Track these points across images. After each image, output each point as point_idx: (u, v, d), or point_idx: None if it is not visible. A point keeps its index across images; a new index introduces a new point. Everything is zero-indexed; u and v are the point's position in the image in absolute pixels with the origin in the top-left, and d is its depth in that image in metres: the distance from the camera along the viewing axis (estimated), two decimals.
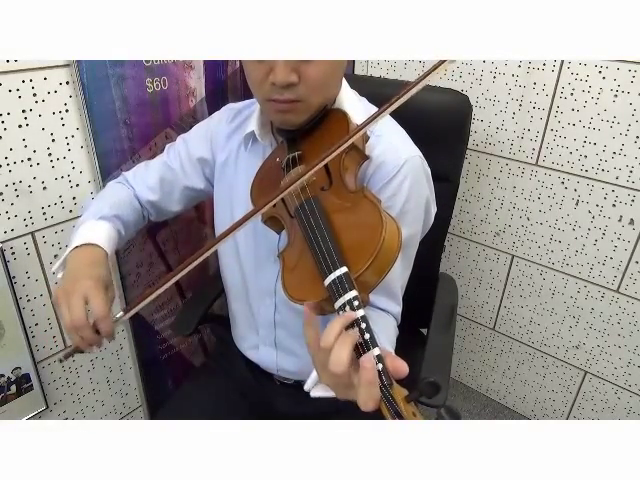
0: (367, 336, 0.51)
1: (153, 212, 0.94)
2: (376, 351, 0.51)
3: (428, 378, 0.48)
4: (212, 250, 0.64)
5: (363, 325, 0.52)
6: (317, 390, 0.59)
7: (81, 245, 0.77)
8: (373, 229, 0.56)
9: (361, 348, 0.51)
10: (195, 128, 0.93)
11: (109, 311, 0.69)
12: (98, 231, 0.80)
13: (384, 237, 0.55)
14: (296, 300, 0.60)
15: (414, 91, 0.60)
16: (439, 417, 0.47)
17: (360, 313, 0.52)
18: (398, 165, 0.73)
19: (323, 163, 0.62)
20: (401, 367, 0.51)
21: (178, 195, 0.92)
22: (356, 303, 0.53)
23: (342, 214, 0.62)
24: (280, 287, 0.83)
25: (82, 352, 0.70)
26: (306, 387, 0.60)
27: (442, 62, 0.57)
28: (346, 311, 0.53)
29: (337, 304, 0.54)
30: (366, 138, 0.71)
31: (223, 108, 0.93)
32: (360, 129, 0.62)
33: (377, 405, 0.49)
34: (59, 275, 0.78)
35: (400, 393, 0.49)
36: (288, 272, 0.63)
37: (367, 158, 0.70)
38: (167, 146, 0.93)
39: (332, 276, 0.54)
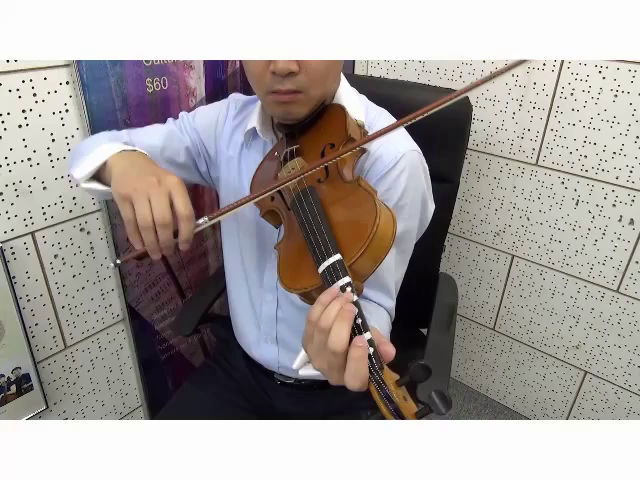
0: (359, 321, 0.51)
1: None
2: (367, 335, 0.51)
3: (419, 361, 0.48)
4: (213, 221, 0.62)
5: (359, 321, 0.52)
6: (306, 369, 0.58)
7: (121, 151, 0.68)
8: (367, 217, 0.57)
9: (352, 332, 0.51)
10: (199, 110, 0.91)
11: (193, 213, 0.61)
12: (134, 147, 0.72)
13: (378, 224, 0.55)
14: (290, 289, 0.60)
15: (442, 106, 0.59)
16: (430, 400, 0.47)
17: (353, 299, 0.52)
18: (395, 158, 0.73)
19: (327, 163, 0.62)
20: (389, 351, 0.51)
21: (181, 159, 0.87)
22: (349, 289, 0.53)
23: (337, 204, 0.62)
24: None
25: (143, 258, 0.62)
26: (295, 365, 0.59)
27: (503, 71, 0.57)
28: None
29: None
30: (364, 132, 0.71)
31: (229, 97, 0.92)
32: (376, 136, 0.62)
33: (364, 384, 0.50)
34: (93, 185, 0.69)
35: (391, 377, 0.50)
36: (283, 262, 0.64)
37: (365, 151, 0.70)
38: (169, 119, 0.91)
39: (326, 263, 0.55)
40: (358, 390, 0.50)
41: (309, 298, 0.60)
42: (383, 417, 0.49)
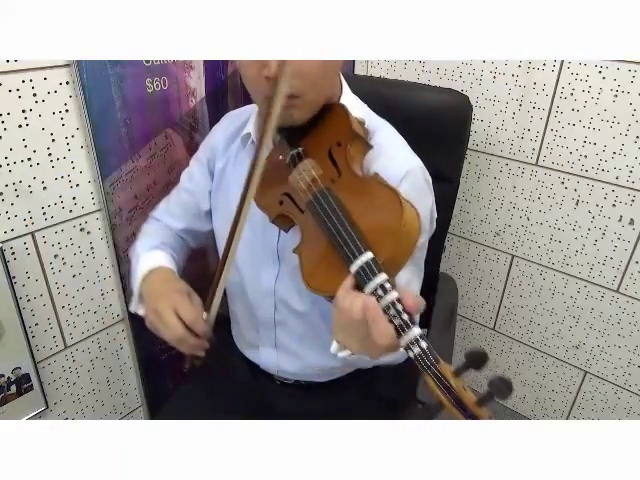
0: (405, 316, 0.52)
1: (189, 238, 0.97)
2: (393, 294, 0.52)
3: (475, 347, 0.49)
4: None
5: (399, 307, 0.52)
6: (343, 352, 0.61)
7: (148, 272, 0.82)
8: (393, 211, 0.57)
9: (401, 329, 0.52)
10: (203, 145, 0.95)
11: (199, 314, 0.74)
12: (157, 256, 0.86)
13: (405, 218, 0.56)
14: (320, 291, 0.60)
15: None
16: (491, 386, 0.47)
17: (394, 295, 0.53)
18: (399, 176, 0.72)
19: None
20: (418, 302, 0.53)
21: (204, 220, 0.94)
22: (388, 285, 0.53)
23: (357, 200, 0.62)
24: (280, 287, 0.83)
25: (199, 360, 0.78)
26: (332, 349, 0.61)
27: None
28: (378, 294, 0.53)
29: (367, 289, 0.54)
30: (366, 130, 0.72)
31: (223, 118, 0.95)
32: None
33: (394, 340, 0.51)
34: (140, 311, 0.83)
35: (448, 369, 0.50)
36: (307, 266, 0.63)
37: (371, 147, 0.70)
38: (184, 172, 0.96)
39: (358, 262, 0.55)
40: (391, 347, 0.52)
41: None
42: (442, 408, 0.49)
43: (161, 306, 0.74)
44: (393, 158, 0.74)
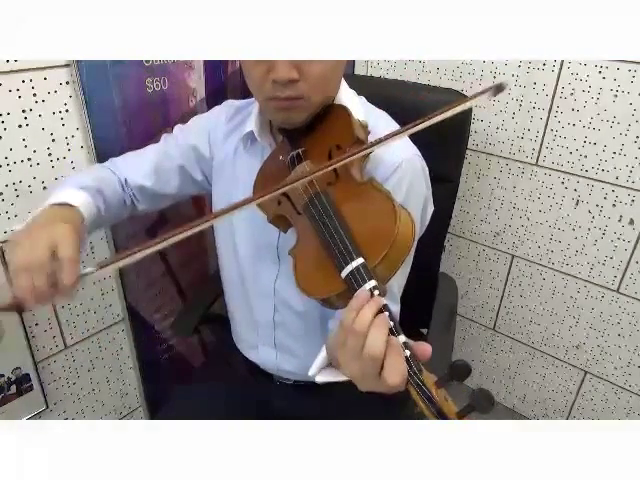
0: (391, 324, 0.52)
1: (142, 199, 0.89)
2: (402, 338, 0.51)
3: (458, 360, 0.48)
4: (202, 227, 0.56)
5: (386, 313, 0.52)
6: (323, 375, 0.58)
7: (57, 204, 0.69)
8: (387, 218, 0.57)
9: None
10: (193, 121, 0.92)
11: (79, 260, 0.59)
12: (78, 197, 0.73)
13: (399, 226, 0.55)
14: (311, 295, 0.60)
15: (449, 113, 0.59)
16: (473, 398, 0.46)
17: (382, 301, 0.52)
18: (396, 164, 0.73)
19: (333, 167, 0.61)
20: (426, 350, 0.52)
21: (175, 180, 0.89)
22: (377, 292, 0.53)
23: (352, 205, 0.62)
24: (279, 287, 0.84)
25: (20, 311, 0.60)
26: (311, 372, 0.59)
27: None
28: None
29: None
30: (368, 132, 0.71)
31: (222, 104, 0.93)
32: (379, 142, 0.62)
33: (404, 379, 0.49)
34: (17, 226, 0.69)
35: (430, 379, 0.50)
36: (301, 269, 0.63)
37: (371, 151, 0.70)
38: (164, 135, 0.92)
39: (349, 267, 0.54)
40: (397, 388, 0.49)
41: (330, 303, 0.60)
42: (423, 418, 0.49)
43: (42, 228, 0.61)
44: (390, 147, 0.74)
